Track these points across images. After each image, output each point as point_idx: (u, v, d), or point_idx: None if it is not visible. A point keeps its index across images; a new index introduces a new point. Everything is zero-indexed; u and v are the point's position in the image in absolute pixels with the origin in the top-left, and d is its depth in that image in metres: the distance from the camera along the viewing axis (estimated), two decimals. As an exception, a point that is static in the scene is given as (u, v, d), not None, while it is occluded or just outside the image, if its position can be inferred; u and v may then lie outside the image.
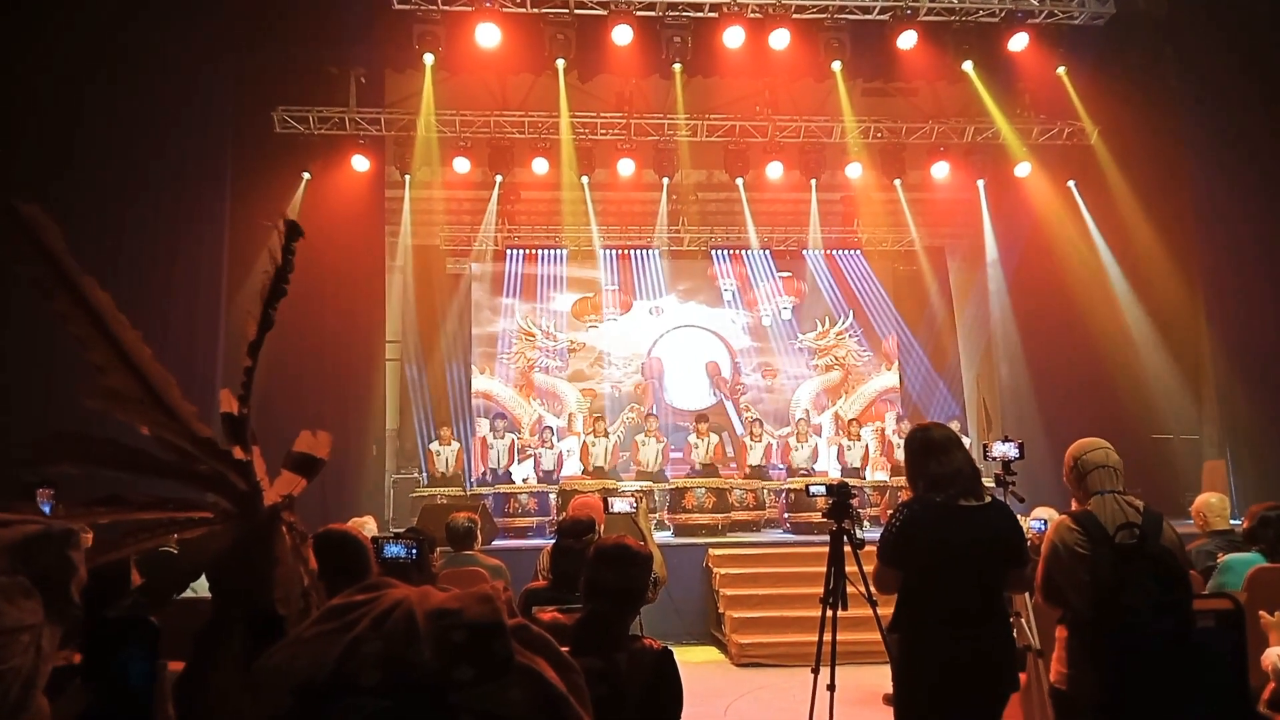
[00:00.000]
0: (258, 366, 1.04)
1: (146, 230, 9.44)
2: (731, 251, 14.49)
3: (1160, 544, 3.08)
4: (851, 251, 14.68)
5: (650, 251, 14.26)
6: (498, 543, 9.38)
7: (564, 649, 0.86)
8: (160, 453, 0.99)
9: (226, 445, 1.02)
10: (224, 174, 10.07)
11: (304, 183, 10.94)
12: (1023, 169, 11.81)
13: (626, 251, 14.26)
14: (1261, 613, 3.51)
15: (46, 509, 1.02)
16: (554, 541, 3.23)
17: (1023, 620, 4.22)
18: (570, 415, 13.87)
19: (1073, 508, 3.39)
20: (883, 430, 13.08)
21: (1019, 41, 10.74)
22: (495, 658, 0.74)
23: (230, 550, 0.98)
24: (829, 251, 14.50)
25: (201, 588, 1.08)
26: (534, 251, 14.34)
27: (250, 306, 1.03)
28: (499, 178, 11.96)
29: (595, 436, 11.68)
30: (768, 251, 14.37)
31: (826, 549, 4.40)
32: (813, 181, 12.27)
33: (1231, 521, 5.17)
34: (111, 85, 9.17)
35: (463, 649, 0.72)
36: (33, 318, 7.49)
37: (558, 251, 14.26)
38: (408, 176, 11.62)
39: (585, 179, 11.92)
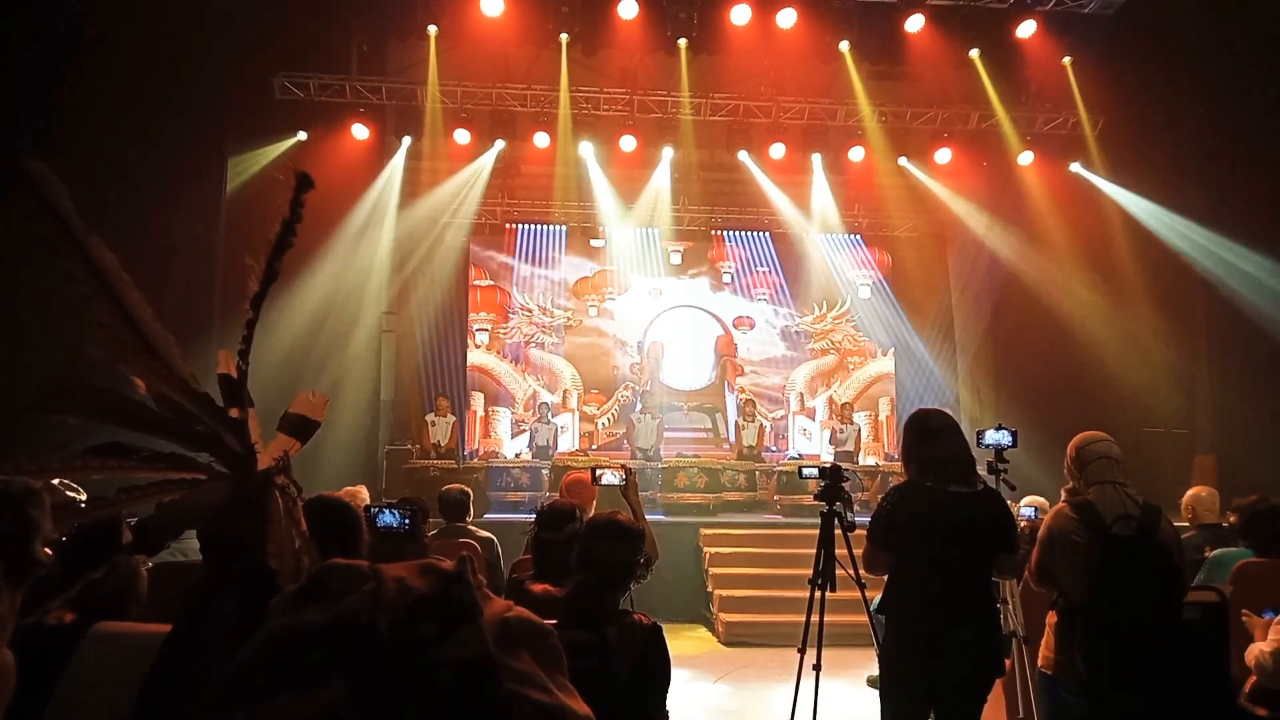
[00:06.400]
0: (259, 322, 1.03)
1: (144, 192, 9.35)
2: (733, 231, 14.42)
3: (1157, 537, 3.09)
4: (850, 235, 14.63)
5: (651, 230, 14.17)
6: (489, 515, 9.42)
7: (553, 622, 0.86)
8: (158, 408, 0.98)
9: (223, 405, 1.01)
10: (223, 138, 9.98)
11: (294, 143, 10.82)
12: (1025, 157, 11.77)
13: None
14: (1245, 612, 3.53)
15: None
16: (534, 532, 3.09)
17: (1009, 607, 4.24)
18: (565, 391, 13.85)
19: (1062, 497, 3.39)
20: (876, 415, 13.11)
21: (1027, 29, 10.66)
22: (459, 605, 0.71)
23: (222, 507, 0.98)
24: (826, 234, 14.43)
25: (194, 550, 1.07)
26: (533, 226, 14.26)
27: (253, 260, 1.02)
28: (500, 143, 11.80)
29: (596, 407, 11.67)
30: (768, 234, 14.31)
31: (816, 531, 4.41)
32: (815, 157, 12.18)
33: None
34: (113, 44, 9.05)
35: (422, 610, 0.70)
36: (27, 277, 7.42)
37: (558, 227, 14.17)
38: (406, 139, 11.51)
39: (590, 144, 11.79)
